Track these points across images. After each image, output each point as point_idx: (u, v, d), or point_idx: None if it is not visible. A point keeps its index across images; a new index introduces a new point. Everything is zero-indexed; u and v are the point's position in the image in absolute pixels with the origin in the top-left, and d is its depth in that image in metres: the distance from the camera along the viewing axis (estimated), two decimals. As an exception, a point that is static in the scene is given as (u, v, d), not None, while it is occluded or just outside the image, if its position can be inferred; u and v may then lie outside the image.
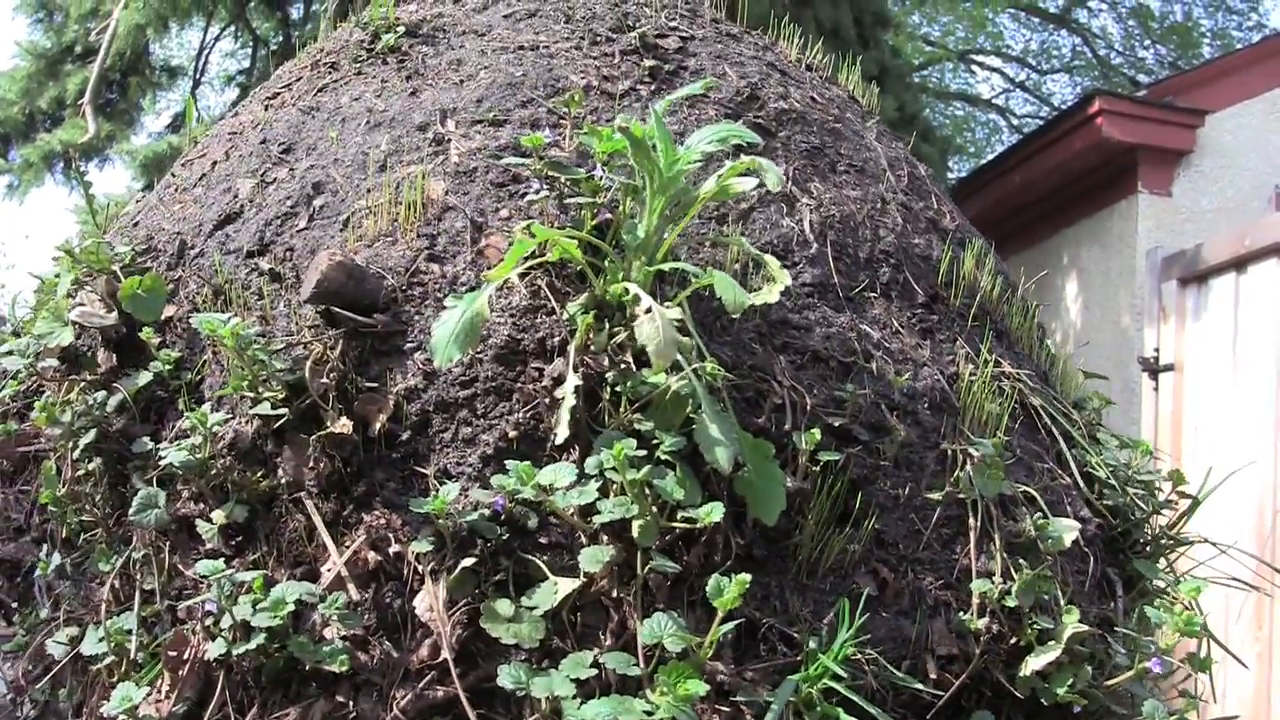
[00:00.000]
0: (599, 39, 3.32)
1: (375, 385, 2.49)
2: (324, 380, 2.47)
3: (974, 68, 26.69)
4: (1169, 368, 7.97)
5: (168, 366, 2.69)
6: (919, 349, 2.75)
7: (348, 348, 2.52)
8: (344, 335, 2.52)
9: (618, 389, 2.36)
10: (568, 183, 2.70)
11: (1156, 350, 8.09)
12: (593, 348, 2.41)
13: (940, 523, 2.51)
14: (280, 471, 2.46)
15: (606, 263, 2.49)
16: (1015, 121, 25.73)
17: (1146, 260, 8.68)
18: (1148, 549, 2.78)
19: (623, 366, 2.39)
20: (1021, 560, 2.49)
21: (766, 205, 2.87)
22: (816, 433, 2.39)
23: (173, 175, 3.53)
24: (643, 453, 2.25)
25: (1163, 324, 8.15)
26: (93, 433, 2.65)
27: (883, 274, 2.87)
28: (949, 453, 2.59)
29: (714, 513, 2.20)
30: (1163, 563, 2.86)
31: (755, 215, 2.84)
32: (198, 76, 14.05)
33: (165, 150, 11.70)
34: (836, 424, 2.50)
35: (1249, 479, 6.71)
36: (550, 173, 2.72)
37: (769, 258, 2.50)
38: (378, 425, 2.44)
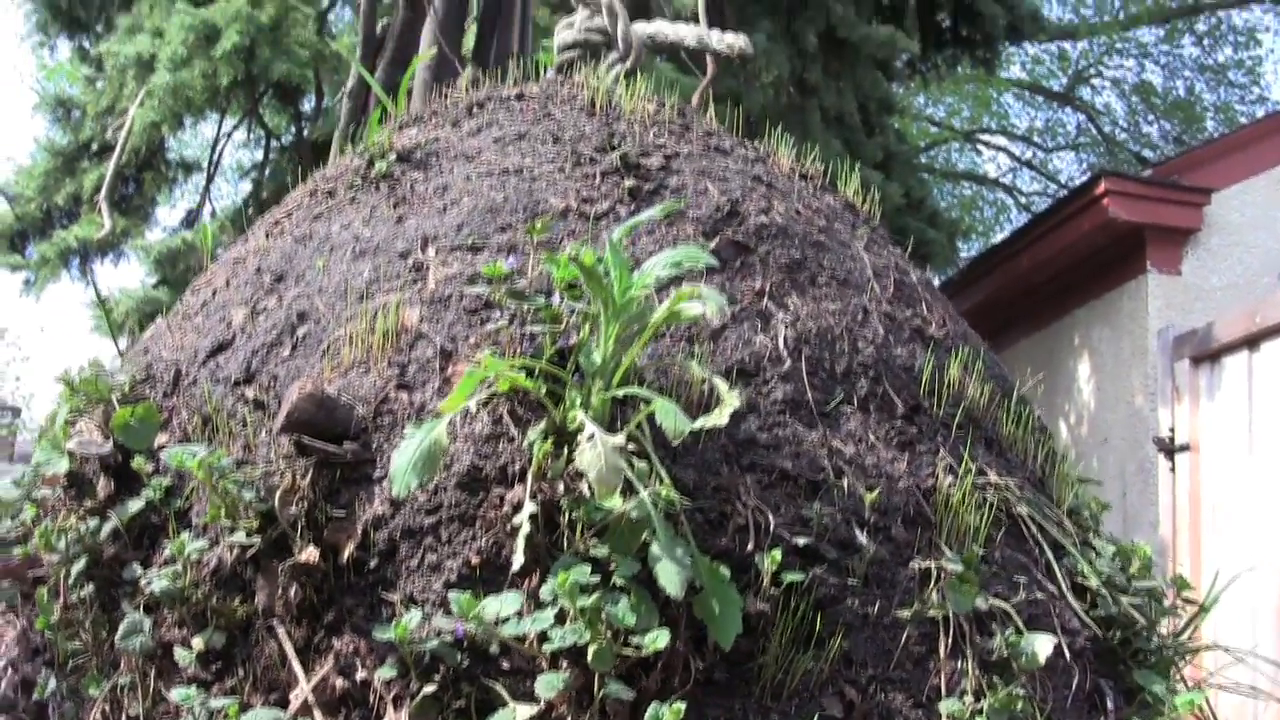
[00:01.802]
0: (582, 160, 3.33)
1: (344, 513, 2.51)
2: (293, 509, 2.51)
3: (980, 147, 26.83)
4: (1185, 447, 7.96)
5: (159, 494, 2.72)
6: (895, 462, 2.72)
7: (318, 476, 2.55)
8: (314, 464, 2.55)
9: (573, 515, 2.37)
10: (530, 310, 2.72)
11: (1171, 430, 8.08)
12: (549, 475, 2.41)
13: (912, 641, 2.47)
14: (257, 598, 2.49)
15: (566, 389, 2.51)
16: (1023, 199, 25.81)
17: (1158, 339, 8.68)
18: (1152, 658, 2.73)
19: (577, 493, 2.39)
20: (997, 678, 2.46)
21: (740, 323, 2.87)
22: (778, 554, 2.38)
23: (181, 301, 3.58)
24: (597, 578, 2.26)
25: (1176, 404, 8.14)
26: (84, 559, 2.69)
27: (860, 387, 2.85)
28: (923, 569, 2.57)
29: (659, 640, 2.19)
30: (1172, 672, 2.81)
31: (728, 333, 2.83)
32: (212, 170, 14.16)
33: (179, 246, 11.77)
34: (802, 543, 2.47)
35: (1268, 576, 6.71)
36: (511, 301, 2.75)
37: (718, 380, 2.50)
38: (347, 553, 2.46)
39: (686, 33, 4.36)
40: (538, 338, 2.67)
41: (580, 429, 2.41)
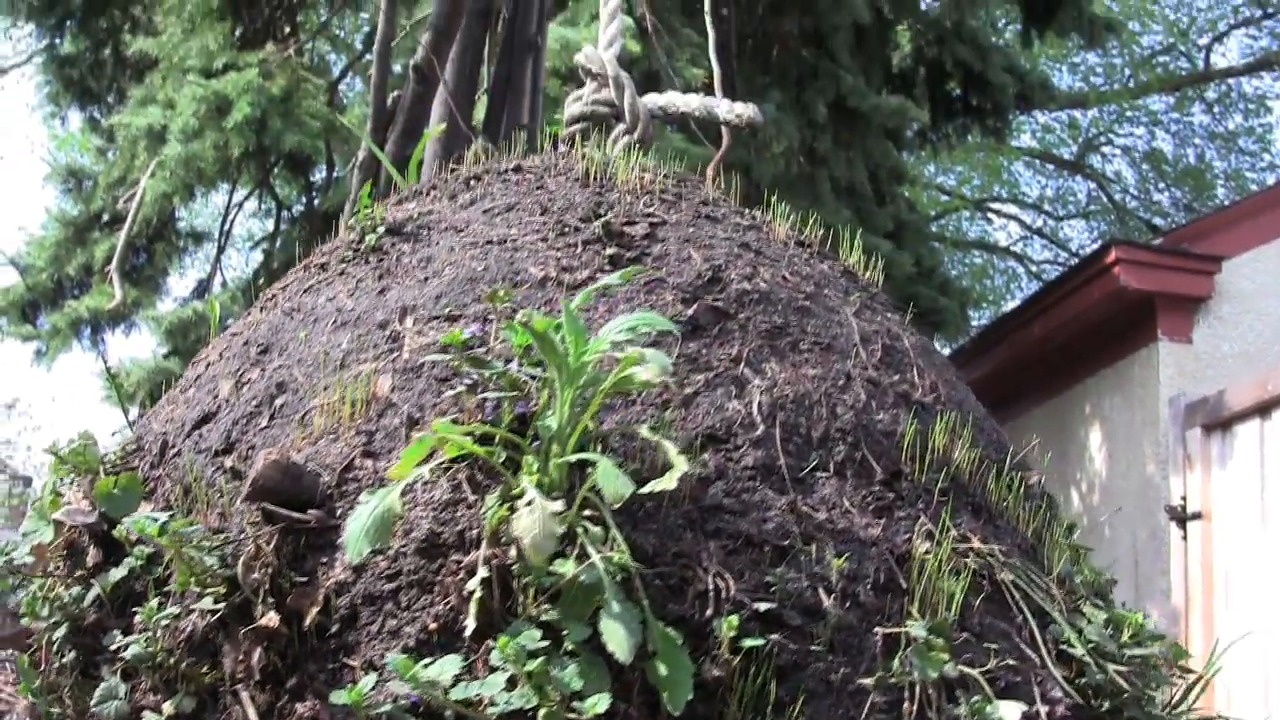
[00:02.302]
0: (566, 229, 3.33)
1: (308, 579, 2.52)
2: (256, 575, 2.51)
3: (991, 215, 26.91)
4: (1197, 516, 7.93)
5: (141, 562, 2.73)
6: (870, 528, 2.69)
7: (283, 543, 2.55)
8: (280, 531, 2.56)
9: (524, 580, 2.36)
10: (490, 377, 2.73)
11: (1183, 498, 8.06)
12: (504, 539, 2.40)
13: (877, 708, 2.42)
14: (224, 664, 2.50)
15: (524, 455, 2.51)
16: (1034, 268, 25.86)
17: (1169, 408, 8.68)
18: (1149, 729, 2.70)
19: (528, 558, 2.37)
20: None
21: (714, 389, 2.84)
22: (734, 619, 2.35)
23: (180, 375, 3.62)
24: (546, 643, 2.24)
25: (1188, 472, 8.12)
26: (65, 626, 2.71)
27: (838, 453, 2.81)
28: (890, 635, 2.55)
29: (599, 704, 2.17)
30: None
31: (700, 399, 2.81)
32: (223, 241, 14.23)
33: (190, 316, 11.81)
34: (763, 609, 2.43)
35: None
36: (469, 368, 2.76)
37: (667, 444, 2.49)
38: (310, 619, 2.46)
39: (694, 103, 4.37)
40: (499, 404, 2.67)
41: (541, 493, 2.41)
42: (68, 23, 12.16)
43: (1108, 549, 8.82)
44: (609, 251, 3.22)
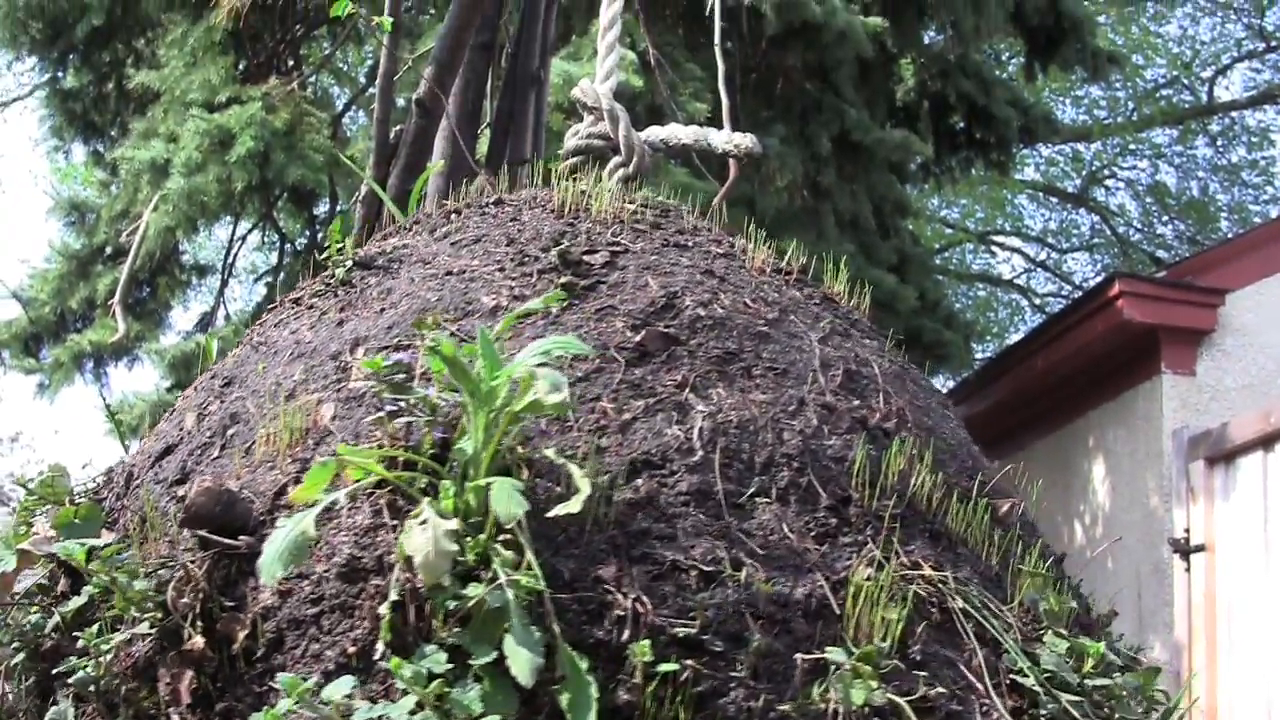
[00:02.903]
0: (526, 259, 3.36)
1: (236, 605, 2.56)
2: (186, 601, 2.56)
3: (994, 248, 26.91)
4: (1200, 548, 7.91)
5: (99, 590, 2.76)
6: (808, 554, 2.67)
7: (214, 569, 2.60)
8: (211, 557, 2.61)
9: (434, 603, 2.38)
10: (417, 402, 2.75)
11: (1187, 531, 8.04)
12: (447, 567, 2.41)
13: None
14: (159, 688, 2.54)
15: (442, 479, 2.53)
16: (1037, 300, 25.86)
17: (1173, 440, 8.66)
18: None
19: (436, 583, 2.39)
20: None
21: (653, 415, 2.83)
22: (646, 644, 2.34)
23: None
24: (450, 666, 2.27)
25: (1192, 504, 8.10)
26: (23, 653, 2.77)
27: (781, 479, 2.78)
28: (822, 663, 2.53)
29: None
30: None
31: (638, 425, 2.80)
32: (226, 274, 14.24)
33: (193, 350, 11.80)
34: (682, 634, 2.42)
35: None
36: (389, 394, 2.78)
37: (573, 468, 2.50)
38: (238, 643, 2.50)
39: (689, 134, 4.36)
40: (419, 429, 2.69)
41: (454, 516, 2.44)
42: (70, 56, 12.19)
43: (1111, 581, 8.78)
44: (562, 280, 3.22)
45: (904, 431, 3.08)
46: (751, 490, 2.74)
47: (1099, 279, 13.79)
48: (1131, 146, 25.67)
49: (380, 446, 2.64)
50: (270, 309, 3.75)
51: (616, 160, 4.15)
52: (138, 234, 10.20)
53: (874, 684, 2.42)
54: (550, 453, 2.60)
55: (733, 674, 2.41)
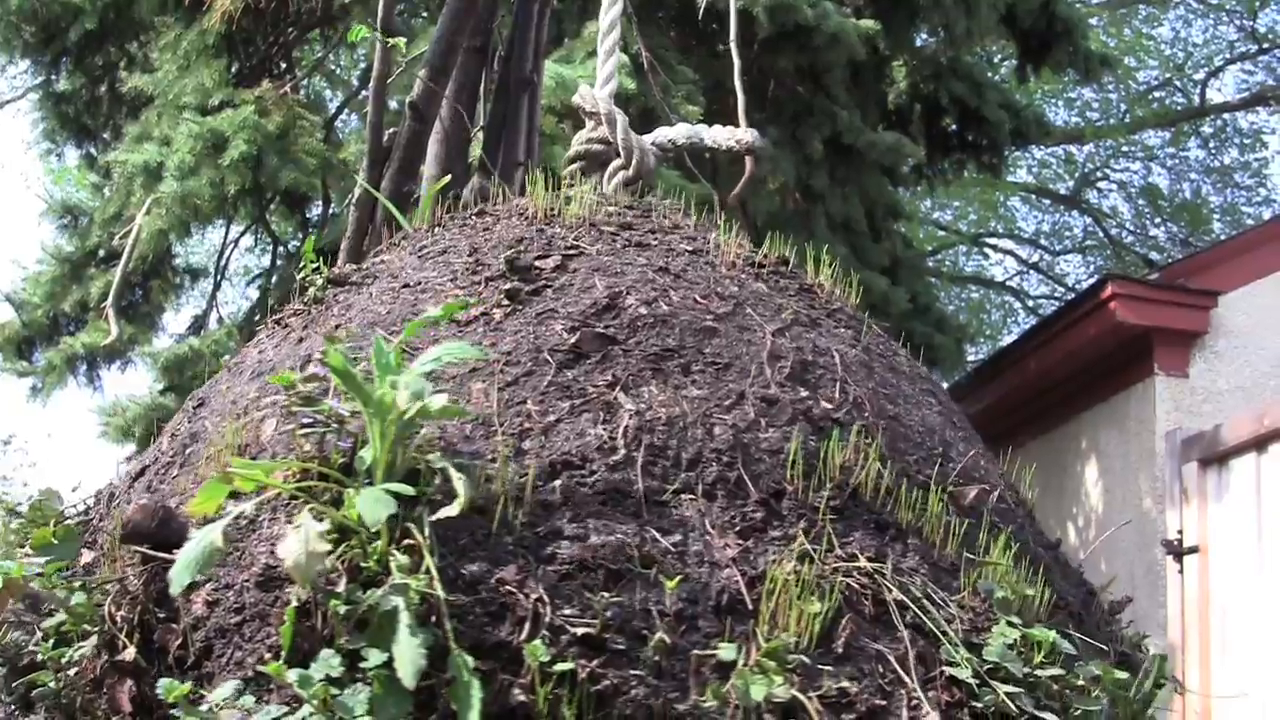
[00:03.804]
0: (481, 268, 3.40)
1: (171, 616, 2.65)
2: (123, 614, 2.67)
3: (987, 251, 26.92)
4: (1193, 550, 7.91)
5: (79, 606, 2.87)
6: (727, 549, 2.66)
7: (150, 582, 2.68)
8: (149, 571, 2.69)
9: (331, 609, 2.45)
10: (329, 415, 2.81)
11: (1180, 533, 8.03)
12: (320, 569, 2.48)
13: None
14: (106, 698, 2.64)
15: (347, 489, 2.59)
16: (1030, 303, 25.89)
17: (1166, 442, 8.65)
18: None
19: (333, 588, 2.47)
20: None
21: (578, 415, 2.86)
22: (538, 645, 2.37)
23: (175, 412, 3.73)
24: (345, 669, 2.34)
25: (1185, 506, 8.10)
26: (3, 669, 2.84)
27: (709, 474, 2.78)
28: (718, 659, 2.51)
29: None
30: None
31: (562, 426, 2.83)
32: (219, 277, 14.23)
33: (186, 353, 11.76)
34: (581, 633, 2.44)
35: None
36: (300, 407, 2.86)
37: (455, 473, 2.54)
38: (171, 653, 2.59)
39: (684, 133, 4.36)
40: (332, 441, 2.77)
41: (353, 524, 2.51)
42: (64, 60, 12.17)
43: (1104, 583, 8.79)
44: (506, 286, 3.27)
45: (859, 421, 3.06)
46: (675, 487, 2.76)
47: (1092, 281, 13.80)
48: (1124, 148, 25.70)
49: (299, 458, 2.72)
50: (259, 329, 3.79)
51: (616, 163, 4.16)
52: (131, 237, 10.21)
53: (778, 679, 2.40)
54: (434, 456, 2.65)
55: (633, 672, 2.42)
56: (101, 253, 12.62)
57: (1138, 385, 9.38)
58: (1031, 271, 26.93)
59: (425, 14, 12.63)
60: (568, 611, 2.47)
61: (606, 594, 2.50)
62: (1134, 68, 24.88)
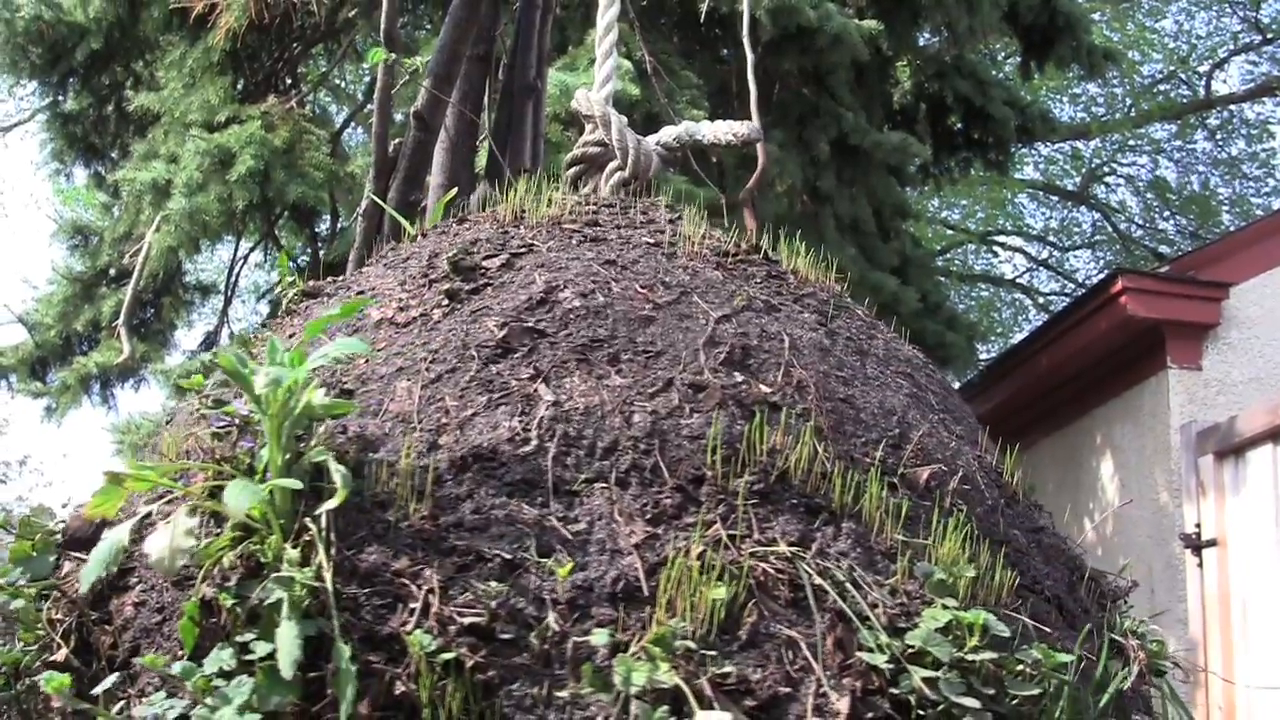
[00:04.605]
0: (430, 271, 3.46)
1: (105, 618, 2.74)
2: (59, 617, 2.78)
3: (996, 248, 26.90)
4: (1212, 543, 7.90)
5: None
6: (632, 537, 2.67)
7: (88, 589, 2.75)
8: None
9: (222, 601, 2.54)
10: (233, 416, 2.91)
11: (1198, 526, 8.02)
12: (224, 564, 2.58)
13: None
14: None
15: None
16: (1040, 299, 25.85)
17: (1180, 435, 8.65)
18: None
19: (226, 582, 2.56)
20: None
21: (495, 408, 2.89)
22: (418, 635, 2.40)
23: None
24: (235, 663, 2.42)
25: (1202, 499, 8.09)
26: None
27: (623, 462, 2.78)
28: (621, 645, 2.50)
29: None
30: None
31: (478, 420, 2.86)
32: (229, 293, 14.24)
33: (198, 369, 11.81)
34: (469, 623, 2.45)
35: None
36: (208, 410, 2.97)
37: (334, 466, 2.59)
38: (104, 654, 2.68)
39: (676, 132, 4.35)
40: (244, 442, 2.84)
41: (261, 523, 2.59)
42: (70, 80, 12.19)
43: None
44: (444, 287, 3.31)
45: (801, 404, 3.03)
46: (586, 476, 2.76)
47: (1102, 276, 13.77)
48: (1130, 142, 25.67)
49: (214, 459, 2.81)
50: None
51: (613, 165, 4.16)
52: (141, 255, 10.23)
53: (663, 666, 2.39)
54: (317, 451, 2.69)
55: (518, 661, 2.44)
56: (112, 271, 12.67)
57: (1150, 379, 9.36)
58: (1041, 268, 26.92)
59: (428, 26, 12.64)
60: (460, 602, 2.49)
61: (499, 584, 2.51)
62: (1138, 61, 24.86)
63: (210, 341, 13.69)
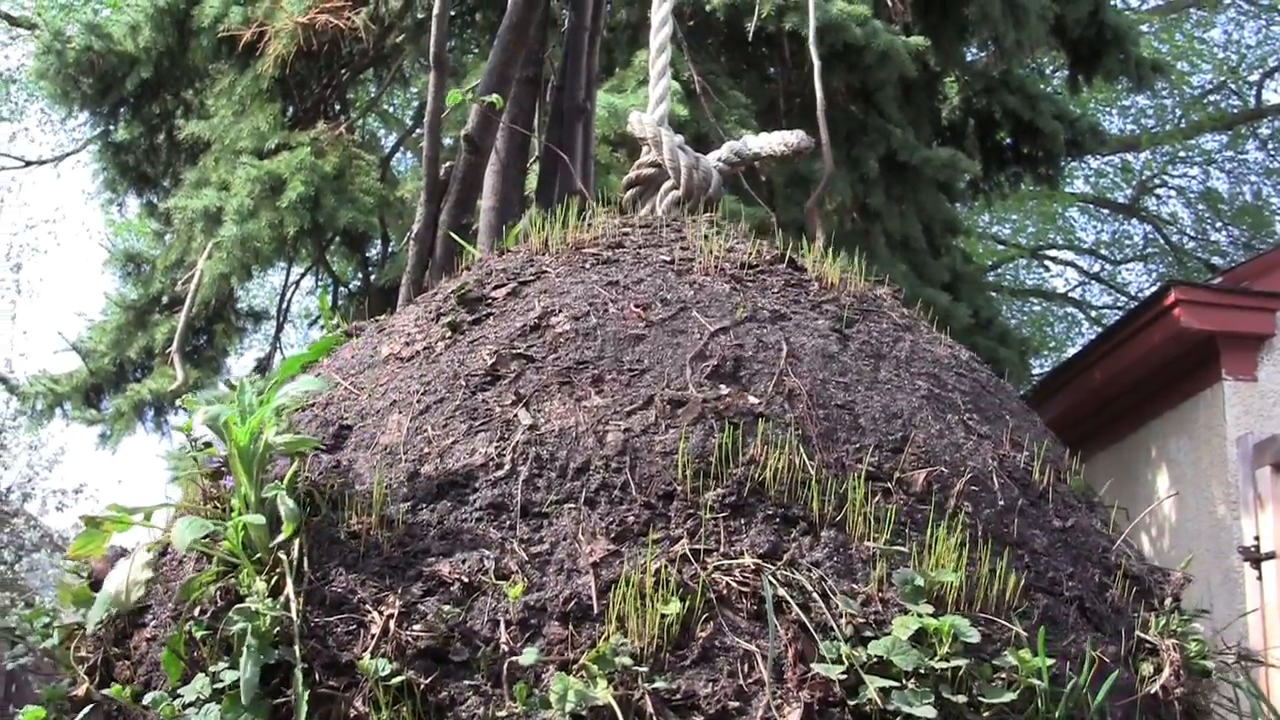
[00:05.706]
0: (441, 306, 3.52)
1: (126, 654, 2.88)
2: (83, 654, 2.94)
3: (1047, 263, 26.77)
4: (1271, 555, 7.82)
5: None
6: (592, 555, 2.67)
7: (110, 624, 2.94)
8: (111, 616, 2.93)
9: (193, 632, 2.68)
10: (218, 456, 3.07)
11: (1256, 539, 7.94)
12: (198, 596, 2.72)
13: None
14: None
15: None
16: (1093, 313, 25.70)
17: (1237, 448, 8.57)
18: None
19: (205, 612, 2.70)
20: None
21: (473, 435, 2.93)
22: (369, 660, 2.48)
23: None
24: (211, 690, 2.56)
25: (1260, 511, 8.01)
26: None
27: (594, 482, 2.80)
28: (569, 663, 2.49)
29: None
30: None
31: (457, 448, 2.91)
32: (281, 319, 14.31)
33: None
34: (424, 646, 2.52)
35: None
36: (196, 452, 3.15)
37: (284, 501, 2.71)
38: (129, 687, 2.78)
39: (726, 151, 4.33)
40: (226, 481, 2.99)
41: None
42: (121, 110, 12.28)
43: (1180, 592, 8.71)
44: (448, 319, 3.38)
45: (790, 413, 3.00)
46: (556, 497, 2.79)
47: (1154, 289, 13.68)
48: (1181, 154, 25.50)
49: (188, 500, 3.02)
50: None
51: (668, 184, 4.16)
52: (193, 282, 10.28)
53: (600, 683, 2.40)
54: (270, 489, 2.79)
55: (469, 682, 2.49)
56: (165, 299, 12.75)
57: (1205, 391, 9.29)
58: (1093, 282, 26.75)
59: (475, 49, 12.68)
60: (418, 627, 2.55)
61: (456, 607, 2.58)
62: (1187, 72, 24.70)
63: (262, 367, 13.75)
